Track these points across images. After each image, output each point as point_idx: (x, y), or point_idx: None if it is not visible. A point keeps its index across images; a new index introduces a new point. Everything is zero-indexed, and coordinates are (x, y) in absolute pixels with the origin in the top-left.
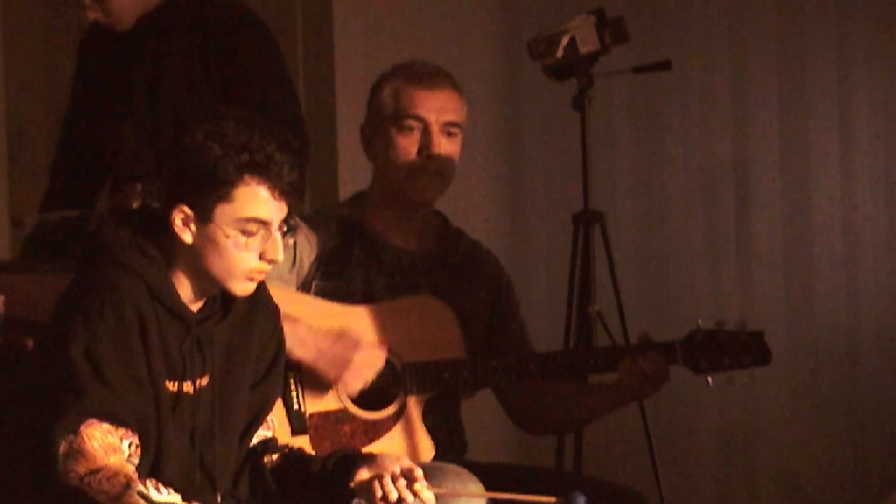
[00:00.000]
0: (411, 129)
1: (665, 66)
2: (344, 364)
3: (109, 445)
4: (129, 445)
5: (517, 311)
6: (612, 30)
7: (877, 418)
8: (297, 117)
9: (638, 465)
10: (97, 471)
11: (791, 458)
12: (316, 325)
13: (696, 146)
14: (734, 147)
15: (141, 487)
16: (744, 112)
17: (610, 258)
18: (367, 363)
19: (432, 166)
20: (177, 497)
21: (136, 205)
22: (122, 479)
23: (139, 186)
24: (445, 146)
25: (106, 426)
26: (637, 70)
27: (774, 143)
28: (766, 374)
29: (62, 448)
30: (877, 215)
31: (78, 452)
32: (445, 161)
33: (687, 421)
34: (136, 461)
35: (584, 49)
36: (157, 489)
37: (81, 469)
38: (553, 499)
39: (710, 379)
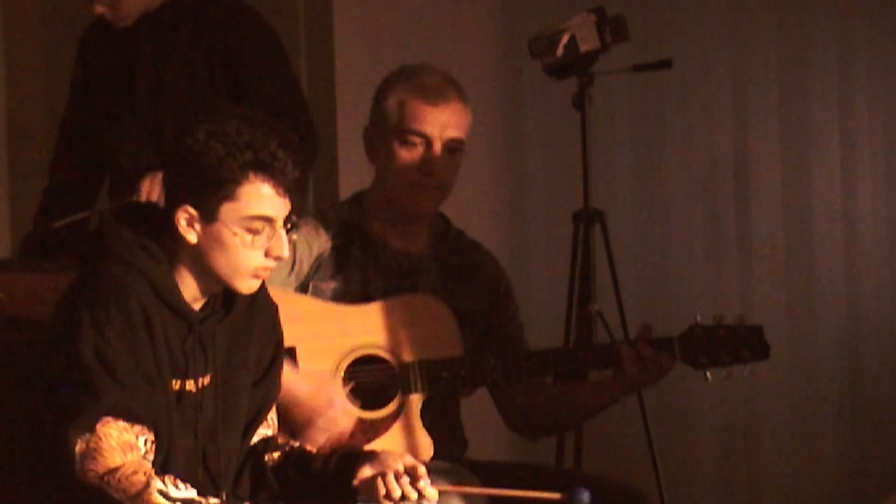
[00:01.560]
0: (414, 143)
1: (665, 64)
2: (313, 419)
3: (126, 443)
4: (145, 442)
5: (515, 315)
6: (612, 28)
7: (877, 417)
8: (306, 118)
9: (638, 463)
10: (115, 469)
11: (791, 458)
12: (303, 366)
13: (697, 144)
14: (734, 145)
15: (160, 485)
16: (744, 110)
17: (610, 256)
18: (333, 423)
19: (432, 182)
20: (193, 493)
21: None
22: (142, 477)
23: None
24: (447, 162)
25: (122, 424)
26: (637, 68)
27: (775, 140)
28: (765, 372)
29: (79, 447)
30: (877, 213)
31: (95, 451)
32: (446, 176)
33: (687, 419)
34: (152, 458)
35: (584, 47)
36: (176, 486)
37: (100, 468)
38: (558, 495)
39: (708, 374)
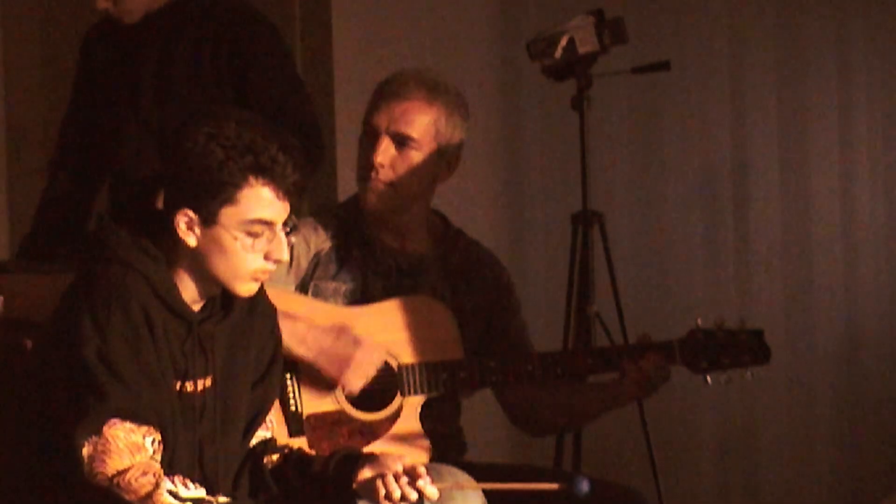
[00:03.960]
0: (367, 136)
1: (664, 66)
2: (344, 362)
3: (134, 444)
4: (153, 443)
5: (518, 312)
6: (610, 30)
7: (876, 418)
8: (313, 120)
9: (637, 464)
10: (125, 471)
11: (790, 458)
12: (315, 321)
13: (695, 147)
14: (733, 147)
15: (170, 485)
16: (742, 112)
17: (609, 258)
18: (368, 361)
19: (376, 174)
20: (202, 492)
21: None
22: (151, 478)
23: None
24: (390, 156)
25: (129, 425)
26: (636, 70)
27: (773, 143)
28: (764, 373)
29: (86, 450)
30: (875, 216)
31: (103, 454)
32: (392, 171)
33: (686, 421)
34: (160, 458)
35: (582, 49)
36: (185, 485)
37: (109, 470)
38: (556, 485)
39: (708, 378)
